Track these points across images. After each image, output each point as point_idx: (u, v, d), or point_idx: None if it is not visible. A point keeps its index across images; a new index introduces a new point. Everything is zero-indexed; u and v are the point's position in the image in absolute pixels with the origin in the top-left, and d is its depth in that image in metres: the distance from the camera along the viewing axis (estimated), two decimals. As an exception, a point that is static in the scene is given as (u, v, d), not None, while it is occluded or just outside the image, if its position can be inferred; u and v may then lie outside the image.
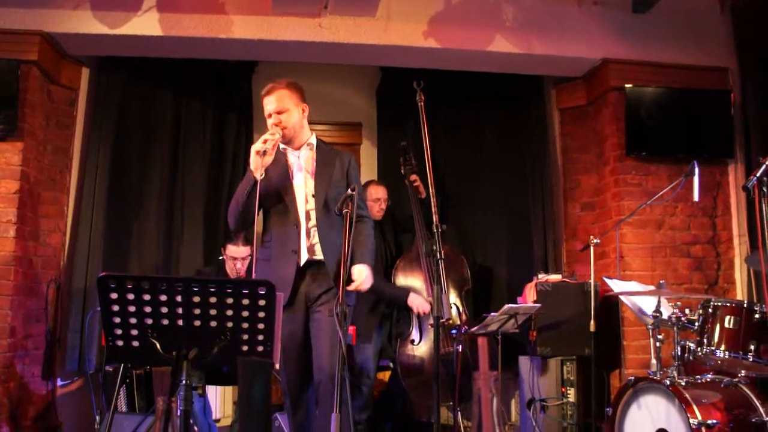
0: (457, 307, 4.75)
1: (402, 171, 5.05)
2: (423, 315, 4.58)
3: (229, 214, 3.34)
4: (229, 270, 4.63)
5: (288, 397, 3.33)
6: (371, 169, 5.71)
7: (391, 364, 5.00)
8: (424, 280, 4.67)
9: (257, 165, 3.14)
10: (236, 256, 4.56)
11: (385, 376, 5.11)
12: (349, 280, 3.21)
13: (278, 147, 3.35)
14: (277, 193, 3.33)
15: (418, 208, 4.87)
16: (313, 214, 3.32)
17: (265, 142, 3.17)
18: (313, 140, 3.45)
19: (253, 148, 3.17)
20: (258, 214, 3.26)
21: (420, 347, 4.64)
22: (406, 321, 4.83)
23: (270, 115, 3.34)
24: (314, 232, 3.30)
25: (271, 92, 3.36)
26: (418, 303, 4.62)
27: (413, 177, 5.02)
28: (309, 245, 3.29)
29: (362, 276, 3.24)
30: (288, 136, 3.35)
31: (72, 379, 4.98)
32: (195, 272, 4.92)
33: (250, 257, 4.63)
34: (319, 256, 3.28)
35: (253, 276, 3.27)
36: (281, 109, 3.32)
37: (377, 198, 4.85)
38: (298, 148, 3.41)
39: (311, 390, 3.32)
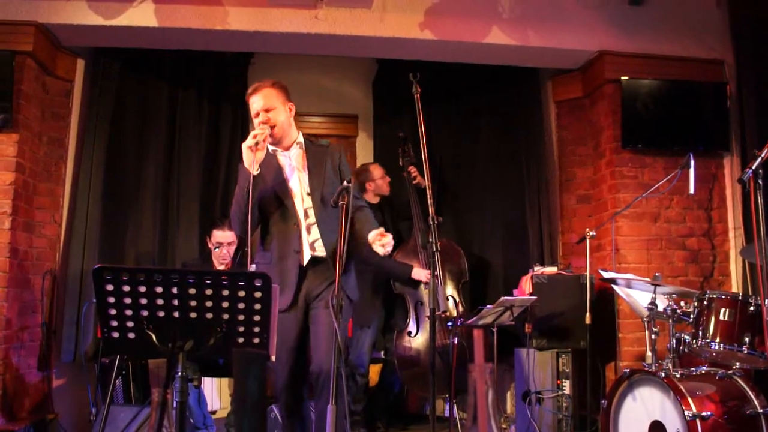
0: (454, 299, 4.76)
1: (400, 162, 5.06)
2: (427, 283, 4.57)
3: (233, 219, 3.29)
4: (215, 258, 4.62)
5: (281, 393, 3.32)
6: (368, 161, 5.69)
7: (383, 355, 5.02)
8: (421, 272, 4.68)
9: (251, 160, 3.12)
10: (222, 241, 4.58)
11: (376, 368, 5.12)
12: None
13: (268, 149, 3.32)
14: (275, 196, 3.30)
15: (416, 200, 4.88)
16: (311, 212, 3.29)
17: (255, 137, 3.15)
18: (301, 139, 3.42)
19: (245, 145, 3.15)
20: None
21: (417, 339, 4.66)
22: (402, 313, 4.84)
23: (257, 114, 3.31)
24: (314, 229, 3.28)
25: (257, 91, 3.33)
26: (423, 274, 4.65)
27: (411, 168, 5.02)
28: (310, 243, 3.27)
29: (381, 234, 3.14)
30: (277, 136, 3.31)
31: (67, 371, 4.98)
32: (181, 265, 4.90)
33: (236, 243, 4.65)
34: (320, 252, 3.26)
35: (250, 266, 3.25)
36: (269, 107, 3.29)
37: (383, 175, 4.93)
38: (288, 148, 3.38)
39: (305, 387, 3.32)
